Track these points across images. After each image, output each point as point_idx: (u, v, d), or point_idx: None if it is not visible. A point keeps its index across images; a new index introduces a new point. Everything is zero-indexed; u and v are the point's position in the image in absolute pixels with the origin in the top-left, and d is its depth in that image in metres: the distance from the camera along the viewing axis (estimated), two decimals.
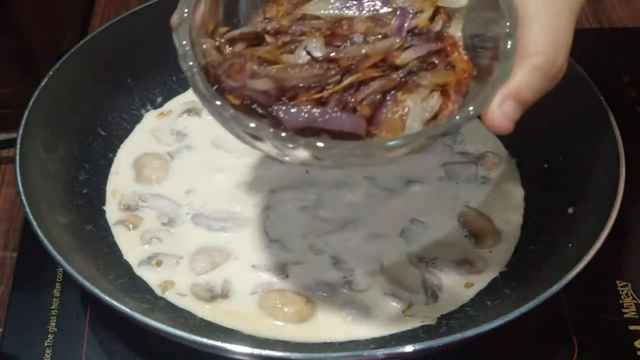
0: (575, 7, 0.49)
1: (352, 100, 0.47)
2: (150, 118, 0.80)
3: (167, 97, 0.81)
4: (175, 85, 0.82)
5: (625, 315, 0.67)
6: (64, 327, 0.66)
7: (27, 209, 0.61)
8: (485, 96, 0.46)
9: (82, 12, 0.98)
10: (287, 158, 0.47)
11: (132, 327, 0.57)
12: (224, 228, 0.70)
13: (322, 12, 0.51)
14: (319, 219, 0.70)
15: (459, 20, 0.51)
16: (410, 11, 0.50)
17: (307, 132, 0.46)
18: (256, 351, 0.55)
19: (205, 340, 0.54)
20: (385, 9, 0.51)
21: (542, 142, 0.73)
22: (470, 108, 0.46)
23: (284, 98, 0.47)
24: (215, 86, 0.48)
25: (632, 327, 0.66)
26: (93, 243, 0.68)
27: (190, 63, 0.47)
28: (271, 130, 0.45)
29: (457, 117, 0.45)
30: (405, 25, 0.50)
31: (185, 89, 0.82)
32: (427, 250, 0.68)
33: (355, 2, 0.51)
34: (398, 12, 0.50)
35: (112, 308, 0.56)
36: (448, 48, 0.49)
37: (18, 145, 0.66)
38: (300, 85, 0.47)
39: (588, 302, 0.68)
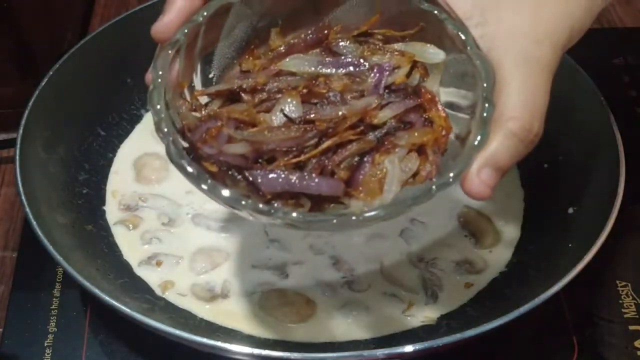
0: (551, 64, 0.48)
1: (330, 163, 0.46)
2: (150, 118, 0.79)
3: None
4: None
5: (625, 316, 0.67)
6: (64, 327, 0.66)
7: (27, 209, 0.61)
8: (464, 163, 0.45)
9: (82, 12, 0.98)
10: (264, 222, 0.47)
11: (132, 327, 0.57)
12: (223, 228, 0.70)
13: (299, 68, 0.50)
14: None
15: (436, 75, 0.50)
16: (387, 68, 0.49)
17: (285, 194, 0.46)
18: (256, 351, 0.55)
19: (205, 340, 0.54)
20: (362, 66, 0.49)
21: (542, 142, 0.73)
22: (451, 175, 0.45)
23: (261, 160, 0.46)
24: (192, 154, 0.47)
25: (632, 327, 0.66)
26: (93, 243, 0.68)
27: (166, 130, 0.46)
28: (249, 201, 0.44)
29: (434, 187, 0.44)
30: (382, 82, 0.48)
31: None
32: (427, 251, 0.68)
33: (331, 59, 0.50)
34: (375, 69, 0.49)
35: (112, 308, 0.56)
36: (426, 104, 0.49)
37: (18, 145, 0.66)
38: (278, 148, 0.46)
39: (588, 302, 0.68)
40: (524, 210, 0.71)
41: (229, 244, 0.69)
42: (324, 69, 0.49)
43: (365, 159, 0.47)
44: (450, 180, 0.45)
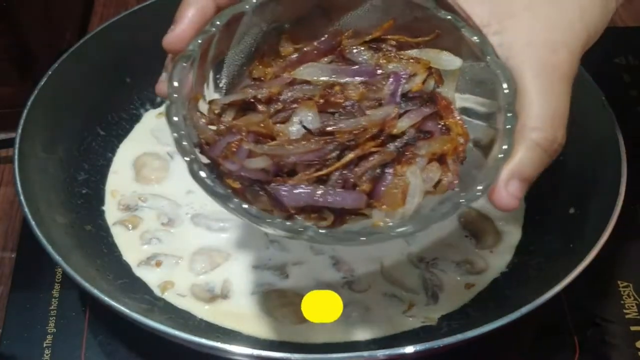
0: (570, 72, 0.48)
1: (352, 176, 0.46)
2: (149, 117, 0.80)
3: None
4: None
5: (627, 316, 0.67)
6: (63, 328, 0.66)
7: (26, 209, 0.61)
8: (490, 176, 0.46)
9: (81, 12, 0.98)
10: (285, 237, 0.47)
11: (131, 327, 0.57)
12: (223, 228, 0.70)
13: (313, 77, 0.49)
14: None
15: (451, 82, 0.50)
16: (403, 76, 0.48)
17: (307, 208, 0.46)
18: (256, 352, 0.55)
19: (204, 341, 0.54)
20: (378, 74, 0.49)
21: None
22: (479, 188, 0.45)
23: (281, 174, 0.46)
24: (214, 171, 0.46)
25: (633, 328, 0.66)
26: (92, 243, 0.67)
27: (187, 147, 0.45)
28: (278, 220, 0.44)
29: (463, 201, 0.45)
30: (399, 90, 0.48)
31: None
32: (428, 251, 0.68)
33: (346, 67, 0.49)
34: (391, 78, 0.48)
35: (111, 308, 0.56)
36: (442, 111, 0.48)
37: (17, 145, 0.66)
38: (299, 161, 0.46)
39: (589, 303, 0.68)
40: (525, 211, 0.71)
41: (228, 244, 0.69)
42: (339, 78, 0.49)
43: (387, 171, 0.47)
44: (479, 193, 0.45)
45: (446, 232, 0.70)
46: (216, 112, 0.49)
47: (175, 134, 0.45)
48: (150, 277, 0.67)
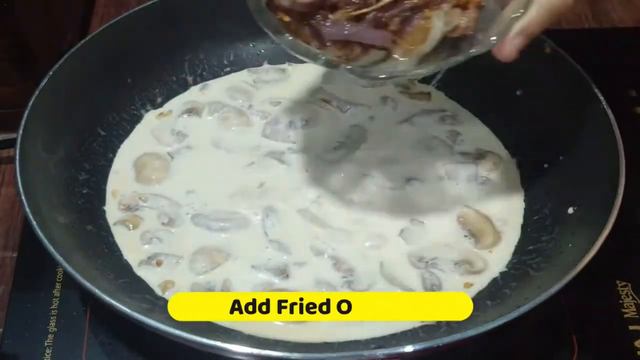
0: None
1: (386, 17, 0.55)
2: (150, 118, 0.80)
3: (167, 97, 0.81)
4: (175, 85, 0.82)
5: (625, 316, 0.67)
6: (64, 327, 0.66)
7: (27, 209, 0.61)
8: (503, 33, 0.55)
9: (82, 12, 0.98)
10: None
11: (132, 327, 0.57)
12: (223, 228, 0.70)
13: None
14: (318, 219, 0.70)
15: None
16: None
17: (340, 41, 0.56)
18: (256, 351, 0.55)
19: (205, 340, 0.54)
20: None
21: (542, 142, 0.73)
22: (493, 38, 0.55)
23: (325, 6, 0.55)
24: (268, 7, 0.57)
25: (632, 327, 0.66)
26: (93, 243, 0.68)
27: None
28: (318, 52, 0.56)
29: (474, 50, 0.55)
30: None
31: (185, 88, 0.82)
32: (427, 250, 0.68)
33: None
34: None
35: (112, 308, 0.56)
36: None
37: (18, 145, 0.66)
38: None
39: (588, 302, 0.68)
40: (524, 211, 0.71)
41: (228, 244, 0.69)
42: None
43: (416, 15, 0.55)
44: (493, 42, 0.55)
45: (445, 232, 0.70)
46: None
47: None
48: (151, 276, 0.67)
